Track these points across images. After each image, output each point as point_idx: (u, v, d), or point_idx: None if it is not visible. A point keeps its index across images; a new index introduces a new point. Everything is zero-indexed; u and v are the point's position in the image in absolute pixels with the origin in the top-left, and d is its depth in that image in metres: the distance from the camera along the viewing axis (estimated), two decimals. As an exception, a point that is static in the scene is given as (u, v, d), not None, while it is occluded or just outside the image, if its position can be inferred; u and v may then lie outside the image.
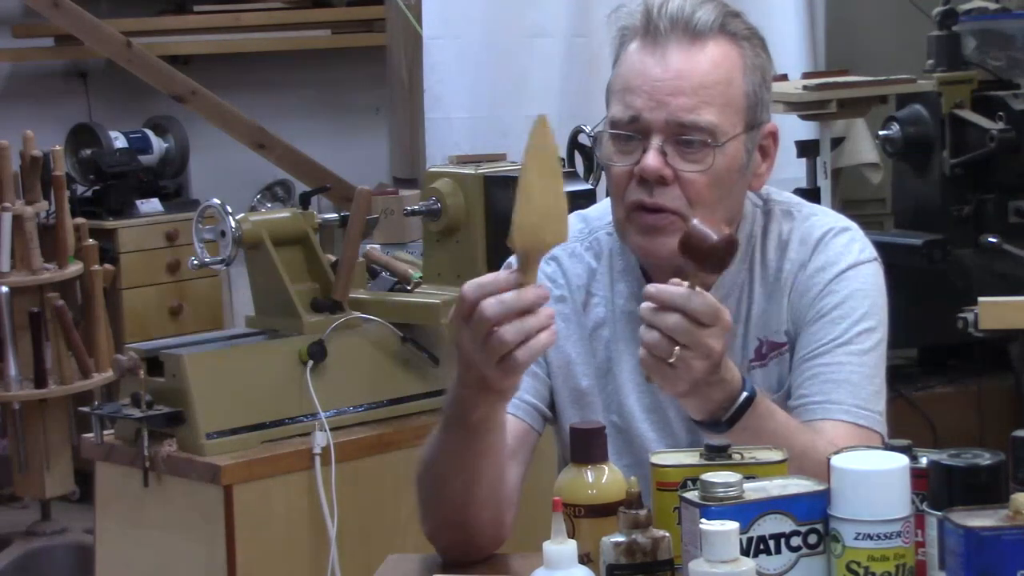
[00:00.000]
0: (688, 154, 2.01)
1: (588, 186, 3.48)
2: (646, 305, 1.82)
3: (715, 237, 1.81)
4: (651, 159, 2.00)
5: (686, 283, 1.81)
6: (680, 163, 2.01)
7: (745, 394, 1.86)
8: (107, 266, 4.75)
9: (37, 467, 4.47)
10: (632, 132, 2.03)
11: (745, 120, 2.04)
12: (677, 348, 1.78)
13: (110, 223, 5.47)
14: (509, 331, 1.75)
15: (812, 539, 1.58)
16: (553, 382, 2.16)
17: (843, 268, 2.09)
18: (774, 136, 2.11)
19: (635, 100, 2.02)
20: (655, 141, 2.01)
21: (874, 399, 2.05)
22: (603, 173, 2.16)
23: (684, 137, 2.01)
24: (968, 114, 4.13)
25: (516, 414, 2.11)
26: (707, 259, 1.81)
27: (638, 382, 2.12)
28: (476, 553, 2.03)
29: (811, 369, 2.05)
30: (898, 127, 4.22)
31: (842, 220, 2.16)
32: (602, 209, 2.21)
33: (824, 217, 2.15)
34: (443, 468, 1.98)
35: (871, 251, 2.13)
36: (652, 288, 1.82)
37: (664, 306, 1.79)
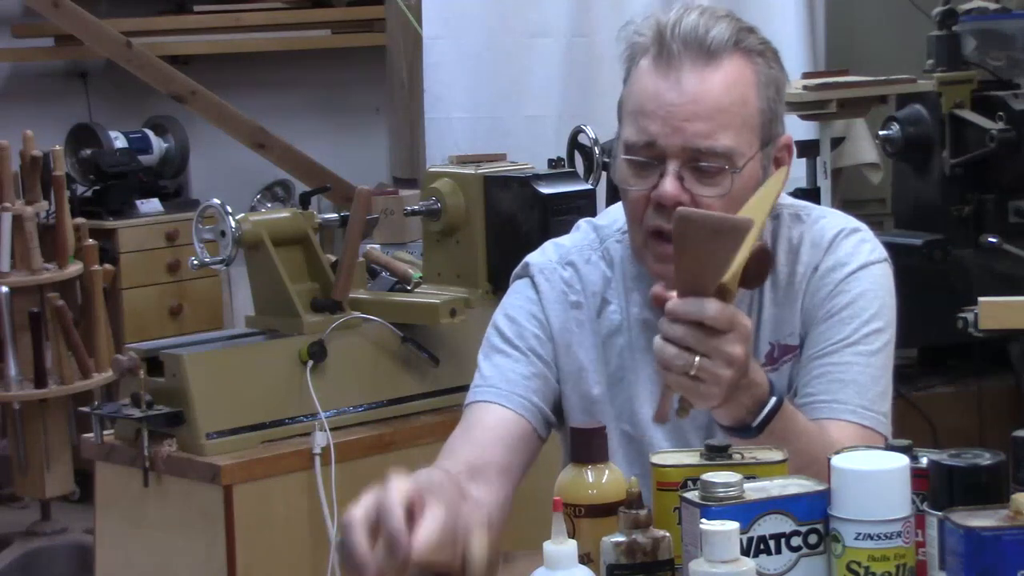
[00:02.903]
0: (705, 178, 1.99)
1: (588, 186, 3.49)
2: (663, 320, 1.77)
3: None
4: (668, 186, 1.98)
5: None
6: (697, 188, 1.99)
7: (774, 399, 1.84)
8: (107, 266, 4.75)
9: (37, 467, 4.47)
10: (648, 158, 2.00)
11: (761, 138, 2.03)
12: (697, 359, 1.75)
13: (110, 223, 5.48)
14: None
15: (812, 539, 1.58)
16: (563, 388, 2.15)
17: (854, 268, 2.08)
18: (788, 148, 2.10)
19: (650, 125, 1.99)
20: (672, 167, 1.98)
21: (880, 400, 2.05)
22: (613, 187, 2.14)
23: (701, 163, 1.99)
24: (968, 114, 4.13)
25: (523, 414, 2.09)
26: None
27: (652, 391, 2.10)
28: None
29: (819, 368, 2.05)
30: (898, 127, 4.22)
31: (852, 221, 2.15)
32: (611, 217, 2.20)
33: (833, 219, 2.14)
34: None
35: (881, 252, 2.12)
36: (669, 304, 1.77)
37: (677, 319, 1.75)
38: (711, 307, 1.74)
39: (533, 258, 2.20)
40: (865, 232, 2.13)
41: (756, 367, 1.85)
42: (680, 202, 1.97)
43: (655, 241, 2.01)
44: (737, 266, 1.75)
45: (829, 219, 2.14)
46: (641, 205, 2.02)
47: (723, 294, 1.76)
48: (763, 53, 2.04)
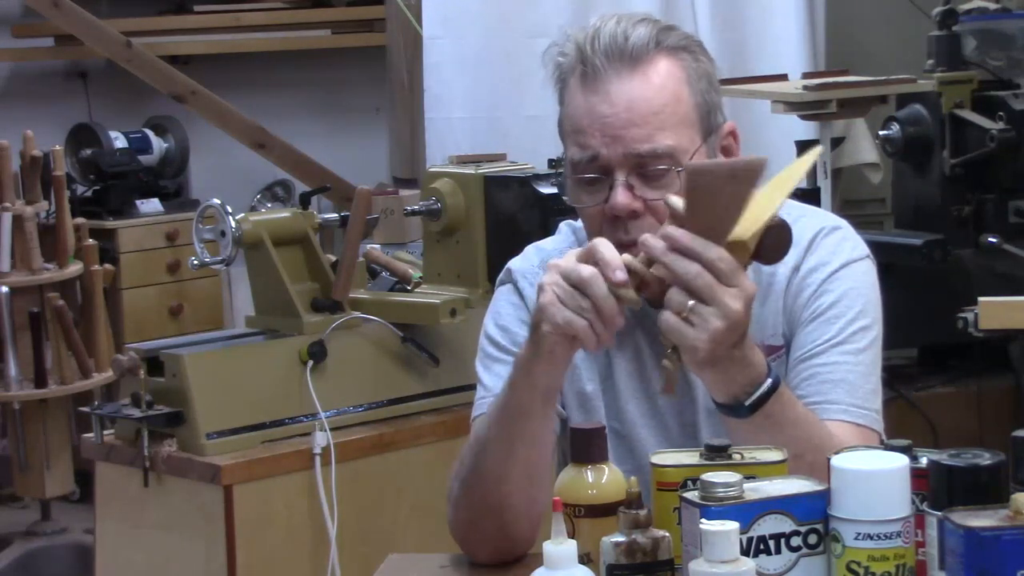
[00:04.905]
0: (654, 181, 2.00)
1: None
2: (661, 247, 1.79)
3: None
4: (619, 196, 1.99)
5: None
6: (648, 192, 2.00)
7: (770, 380, 1.85)
8: (107, 266, 4.75)
9: (37, 467, 4.47)
10: (594, 172, 2.02)
11: (702, 131, 2.04)
12: (691, 302, 1.77)
13: (110, 223, 5.48)
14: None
15: (812, 539, 1.58)
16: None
17: (836, 267, 2.08)
18: (734, 135, 2.10)
19: (589, 140, 2.01)
20: (619, 177, 2.00)
21: (871, 397, 2.04)
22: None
23: (647, 168, 2.00)
24: (968, 114, 4.12)
25: None
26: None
27: (635, 388, 2.12)
28: (509, 547, 2.02)
29: (808, 370, 2.04)
30: (898, 127, 4.22)
31: (832, 219, 2.15)
32: (556, 241, 2.21)
33: (813, 217, 2.14)
34: (488, 441, 1.98)
35: (863, 248, 2.12)
36: (672, 230, 1.79)
37: (684, 253, 1.77)
38: (715, 250, 1.77)
39: (515, 263, 2.21)
40: (846, 229, 2.13)
41: (757, 350, 1.86)
42: (634, 210, 1.99)
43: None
44: (757, 228, 1.77)
45: (809, 218, 2.13)
46: (597, 220, 2.03)
47: (737, 250, 1.77)
48: (687, 48, 2.06)
